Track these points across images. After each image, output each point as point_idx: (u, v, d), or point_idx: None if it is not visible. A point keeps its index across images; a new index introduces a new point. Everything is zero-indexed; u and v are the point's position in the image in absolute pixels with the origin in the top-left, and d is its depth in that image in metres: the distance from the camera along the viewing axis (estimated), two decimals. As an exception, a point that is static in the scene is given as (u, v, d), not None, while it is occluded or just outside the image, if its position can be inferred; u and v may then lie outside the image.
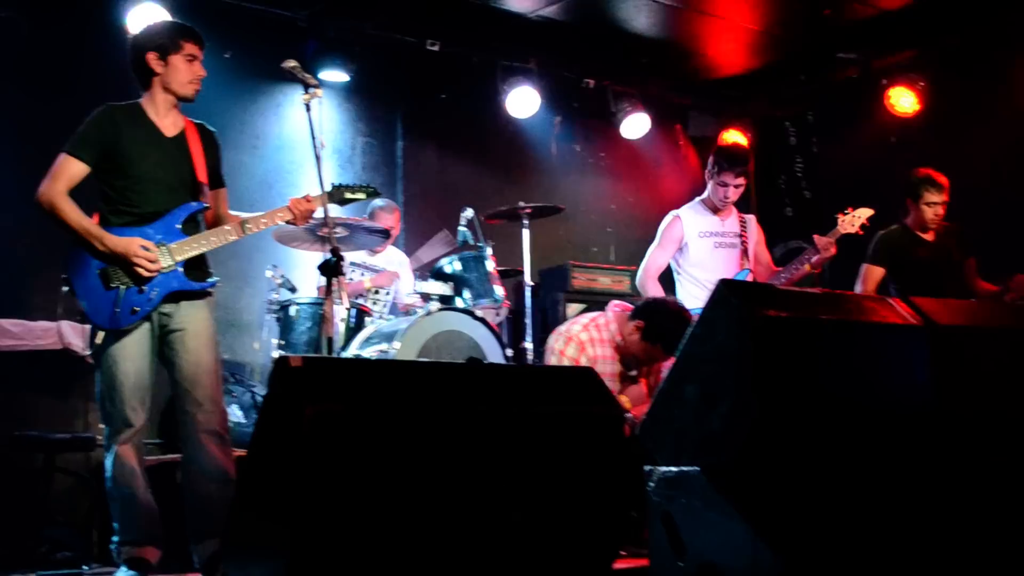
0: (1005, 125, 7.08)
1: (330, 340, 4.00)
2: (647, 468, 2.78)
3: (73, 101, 4.36)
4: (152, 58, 4.01)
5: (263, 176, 6.90)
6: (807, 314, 2.71)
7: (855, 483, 2.62)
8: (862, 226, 5.65)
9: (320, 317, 5.43)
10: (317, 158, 4.05)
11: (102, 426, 4.01)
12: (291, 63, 4.16)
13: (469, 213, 5.90)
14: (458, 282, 5.55)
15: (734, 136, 8.65)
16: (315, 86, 4.14)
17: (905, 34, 7.46)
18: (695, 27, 7.45)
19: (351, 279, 5.81)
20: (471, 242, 5.81)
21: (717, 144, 8.46)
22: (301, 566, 2.52)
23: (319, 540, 2.53)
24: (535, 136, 8.12)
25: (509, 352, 5.34)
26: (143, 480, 3.94)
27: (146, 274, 3.88)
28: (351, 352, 5.21)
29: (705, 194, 5.81)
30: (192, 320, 4.00)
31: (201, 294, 4.06)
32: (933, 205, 5.85)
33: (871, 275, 5.95)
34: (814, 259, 5.56)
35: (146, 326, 3.94)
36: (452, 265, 5.60)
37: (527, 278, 6.13)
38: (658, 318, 4.78)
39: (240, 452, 4.13)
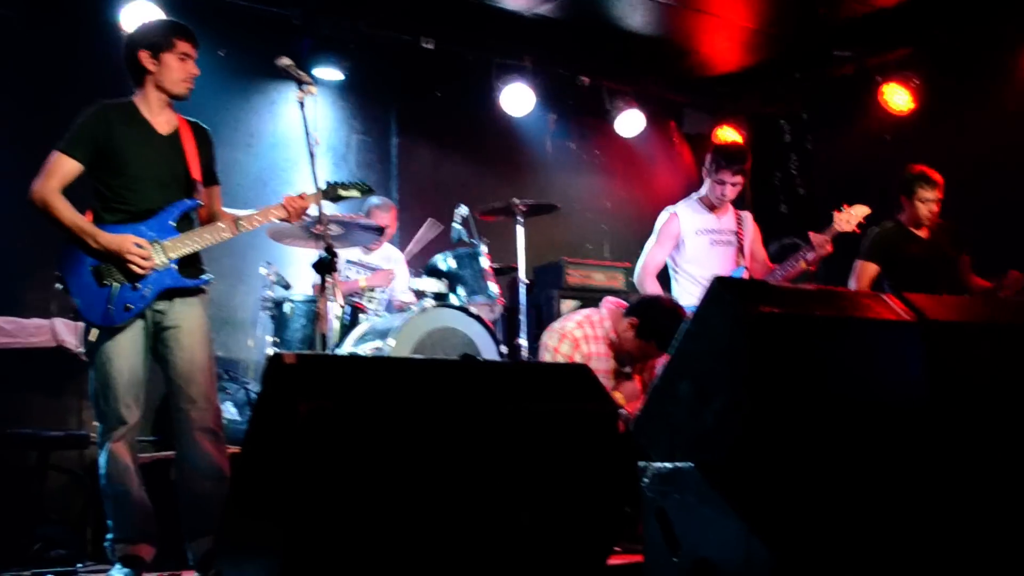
0: (999, 122, 7.09)
1: (324, 337, 4.00)
2: (641, 464, 2.78)
3: (66, 99, 4.36)
4: (145, 56, 4.00)
5: (257, 173, 6.90)
6: (801, 310, 2.71)
7: (849, 479, 2.63)
8: (858, 224, 5.66)
9: (314, 314, 5.43)
10: (311, 155, 4.05)
11: (96, 424, 4.01)
12: (285, 61, 4.16)
13: (464, 210, 5.90)
14: (453, 279, 5.54)
15: (729, 134, 8.67)
16: (309, 83, 4.14)
17: (899, 32, 7.47)
18: (690, 25, 7.46)
19: (347, 277, 5.81)
20: (466, 239, 5.81)
21: (712, 142, 8.51)
22: (295, 563, 2.52)
23: (313, 537, 2.53)
24: (530, 134, 8.12)
25: (503, 349, 5.34)
26: (137, 477, 3.94)
27: (139, 271, 3.87)
28: (345, 349, 5.21)
29: (702, 191, 5.81)
30: (186, 317, 4.00)
31: (195, 291, 4.06)
32: (927, 202, 5.86)
33: (865, 271, 5.96)
34: (810, 256, 5.57)
35: (140, 323, 3.94)
36: (447, 262, 5.59)
37: (521, 275, 6.12)
38: (652, 315, 4.78)
39: (234, 449, 4.13)
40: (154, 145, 4.03)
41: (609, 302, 5.07)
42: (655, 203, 6.96)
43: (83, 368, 4.17)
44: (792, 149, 8.75)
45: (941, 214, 5.93)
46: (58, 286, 3.90)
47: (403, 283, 6.18)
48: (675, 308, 4.82)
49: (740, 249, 5.76)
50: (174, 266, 3.96)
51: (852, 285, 5.96)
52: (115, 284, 3.86)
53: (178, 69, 4.02)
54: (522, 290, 6.11)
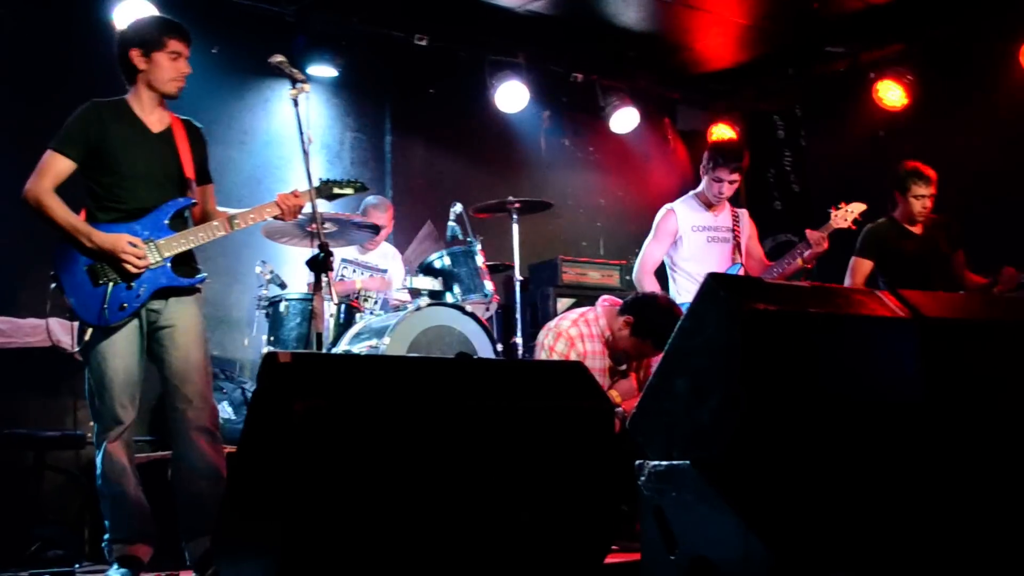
0: (992, 118, 7.11)
1: (319, 336, 3.99)
2: (638, 462, 2.78)
3: (58, 98, 4.34)
4: (135, 54, 3.99)
5: (251, 172, 6.88)
6: (796, 307, 2.72)
7: (845, 476, 2.63)
8: (855, 221, 5.67)
9: (310, 313, 5.42)
10: (305, 153, 4.04)
11: (92, 423, 4.00)
12: (278, 58, 4.14)
13: (458, 208, 5.89)
14: (447, 277, 5.54)
15: (723, 130, 8.67)
16: (303, 81, 4.13)
17: (893, 28, 7.48)
18: (683, 21, 7.46)
19: (343, 277, 5.80)
20: (460, 237, 5.80)
21: (706, 138, 8.52)
22: (292, 562, 2.52)
23: (310, 536, 2.53)
24: (524, 131, 8.11)
25: (499, 347, 5.34)
26: (133, 477, 3.94)
27: (134, 270, 3.87)
28: (341, 348, 5.21)
29: (699, 188, 5.82)
30: (181, 316, 3.99)
31: (190, 290, 4.05)
32: (921, 198, 5.86)
33: (860, 268, 5.97)
34: (806, 253, 5.58)
35: (135, 323, 3.93)
36: (441, 260, 5.59)
37: (517, 273, 6.13)
38: (648, 313, 4.78)
39: (230, 448, 4.13)
40: (147, 143, 4.02)
41: (604, 300, 5.07)
42: (650, 200, 6.98)
43: (78, 368, 4.17)
44: (786, 145, 8.75)
45: (935, 210, 5.94)
46: (53, 285, 3.90)
47: (399, 281, 6.17)
48: (671, 306, 4.83)
49: (737, 246, 5.77)
50: (168, 265, 3.96)
51: (847, 282, 5.98)
52: (110, 283, 3.86)
53: (169, 68, 4.00)
54: (517, 288, 6.12)
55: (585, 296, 6.89)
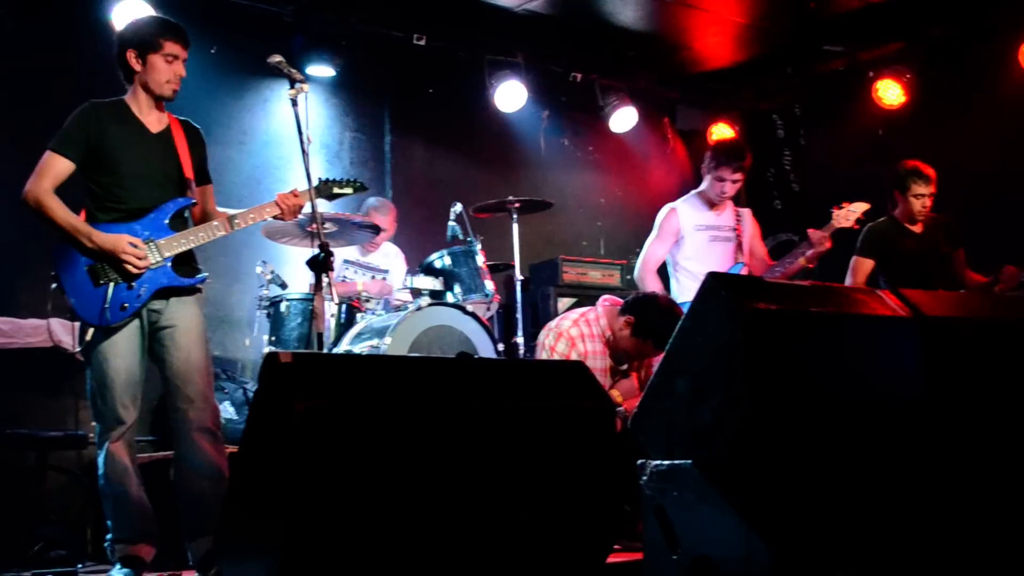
0: (991, 117, 7.11)
1: (320, 336, 3.99)
2: (639, 462, 2.78)
3: (57, 98, 4.34)
4: (132, 56, 3.98)
5: (251, 172, 6.88)
6: (796, 307, 2.72)
7: (847, 475, 2.63)
8: (857, 220, 5.67)
9: (311, 313, 5.42)
10: (304, 153, 4.04)
11: (93, 424, 4.01)
12: (277, 58, 4.14)
13: (458, 208, 5.90)
14: (448, 277, 5.54)
15: (722, 129, 8.67)
16: (301, 81, 4.12)
17: (891, 26, 7.48)
18: (682, 20, 7.46)
19: (344, 278, 5.80)
20: (460, 237, 5.81)
21: (706, 137, 8.53)
22: (294, 562, 2.53)
23: (312, 535, 2.53)
24: (523, 130, 8.11)
25: (500, 347, 5.34)
26: (135, 477, 3.94)
27: (134, 271, 3.87)
28: (342, 348, 5.21)
29: (701, 188, 5.82)
30: (182, 317, 4.00)
31: (190, 290, 4.05)
32: (921, 197, 5.86)
33: (860, 267, 5.97)
34: (809, 253, 5.58)
35: (136, 323, 3.94)
36: (442, 260, 5.59)
37: (517, 273, 6.13)
38: (649, 313, 4.78)
39: (232, 448, 4.13)
40: (146, 144, 4.02)
41: (605, 300, 5.08)
42: (649, 199, 6.97)
43: (80, 368, 4.17)
44: (785, 144, 8.75)
45: (935, 209, 5.94)
46: (54, 286, 3.90)
47: (400, 281, 6.17)
48: (671, 306, 4.83)
49: (739, 246, 5.78)
50: (169, 265, 3.96)
51: (848, 281, 5.98)
52: (111, 284, 3.86)
53: (164, 71, 3.99)
54: (518, 288, 6.12)
55: (586, 296, 6.89)
